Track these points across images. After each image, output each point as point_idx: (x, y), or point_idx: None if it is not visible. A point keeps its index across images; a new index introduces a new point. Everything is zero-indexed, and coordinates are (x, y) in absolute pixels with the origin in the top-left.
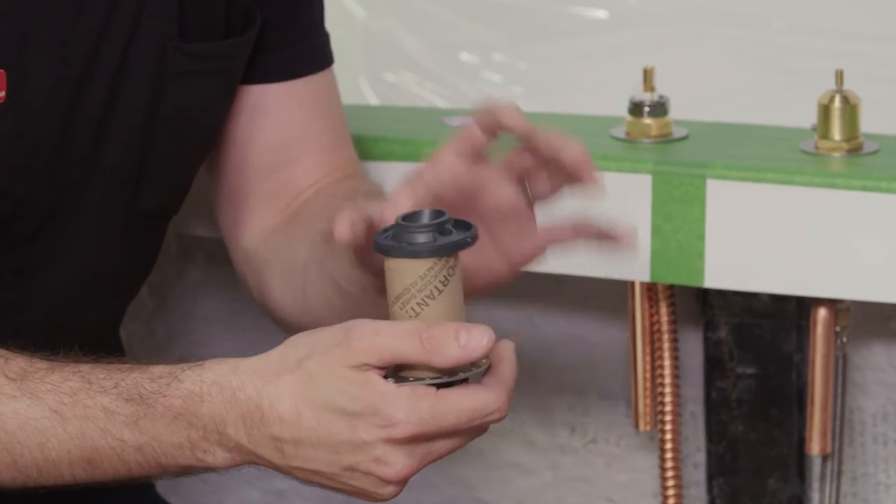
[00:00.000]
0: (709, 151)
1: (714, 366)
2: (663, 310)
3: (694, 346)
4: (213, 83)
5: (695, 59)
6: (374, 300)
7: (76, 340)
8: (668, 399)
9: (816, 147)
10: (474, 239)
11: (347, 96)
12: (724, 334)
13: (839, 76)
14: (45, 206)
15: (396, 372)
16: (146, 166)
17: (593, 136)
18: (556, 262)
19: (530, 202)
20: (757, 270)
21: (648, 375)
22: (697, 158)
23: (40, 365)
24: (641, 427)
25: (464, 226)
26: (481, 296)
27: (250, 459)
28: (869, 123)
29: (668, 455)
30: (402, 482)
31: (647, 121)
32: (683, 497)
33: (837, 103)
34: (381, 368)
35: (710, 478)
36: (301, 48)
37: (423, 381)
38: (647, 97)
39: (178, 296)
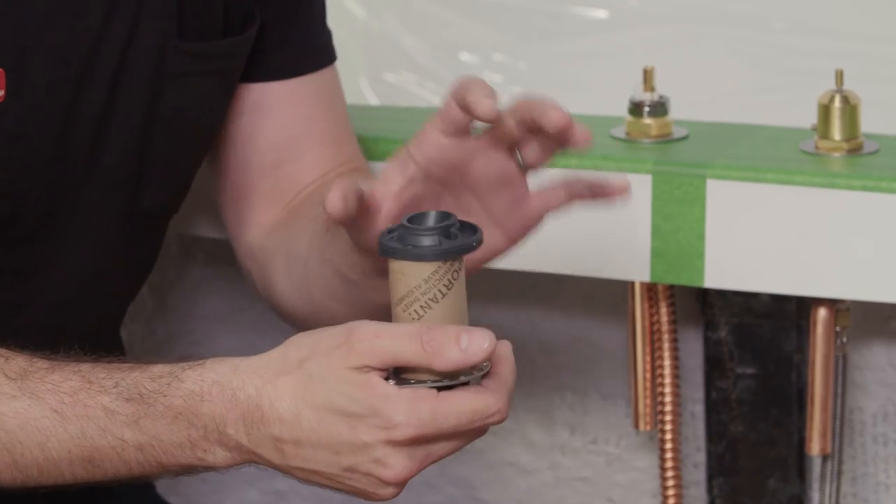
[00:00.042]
0: (709, 151)
1: (714, 366)
2: (663, 310)
3: (694, 346)
4: (212, 82)
5: (695, 59)
6: (375, 285)
7: (76, 340)
8: (668, 399)
9: (816, 147)
10: (479, 243)
11: (347, 96)
12: (724, 334)
13: (839, 76)
14: (44, 206)
15: (397, 374)
16: (146, 166)
17: (593, 136)
18: (557, 262)
19: (522, 171)
20: (757, 270)
21: (648, 375)
22: (697, 158)
23: (40, 364)
24: (641, 427)
25: (469, 228)
26: (480, 269)
27: (250, 459)
28: (869, 123)
29: (668, 455)
30: (401, 483)
31: (647, 121)
32: (683, 497)
33: (837, 103)
34: (381, 370)
35: (710, 478)
36: (302, 46)
37: (423, 384)
38: (647, 97)
39: (178, 296)
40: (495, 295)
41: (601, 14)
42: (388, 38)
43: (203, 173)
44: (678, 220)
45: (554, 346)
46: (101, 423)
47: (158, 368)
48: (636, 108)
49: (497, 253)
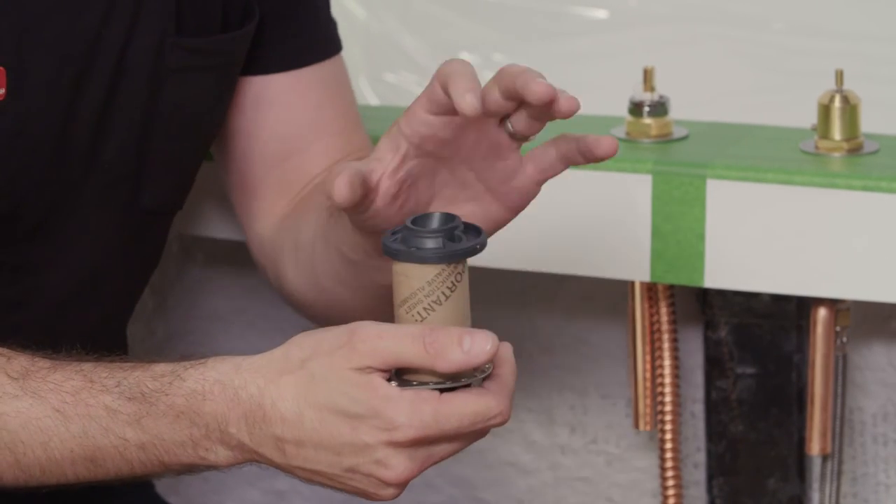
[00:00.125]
0: (709, 151)
1: (714, 366)
2: (663, 310)
3: (694, 346)
4: (211, 78)
5: (695, 59)
6: (377, 265)
7: (77, 338)
8: (668, 399)
9: (816, 147)
10: (483, 245)
11: None
12: (724, 334)
13: (839, 76)
14: (44, 204)
15: (399, 375)
16: (145, 163)
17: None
18: (557, 263)
19: (514, 141)
20: (757, 270)
21: (648, 375)
22: (697, 158)
23: (42, 364)
24: (641, 427)
25: (473, 230)
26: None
27: (252, 458)
28: (869, 123)
29: (668, 455)
30: (402, 484)
31: (647, 121)
32: (683, 497)
33: (837, 103)
34: (384, 371)
35: (710, 478)
36: (304, 37)
37: (426, 385)
38: (647, 97)
39: (178, 296)
40: (495, 295)
41: (601, 14)
42: (388, 38)
43: (204, 171)
44: (678, 220)
45: (554, 346)
46: (104, 422)
47: (160, 367)
48: (636, 108)
49: (498, 225)
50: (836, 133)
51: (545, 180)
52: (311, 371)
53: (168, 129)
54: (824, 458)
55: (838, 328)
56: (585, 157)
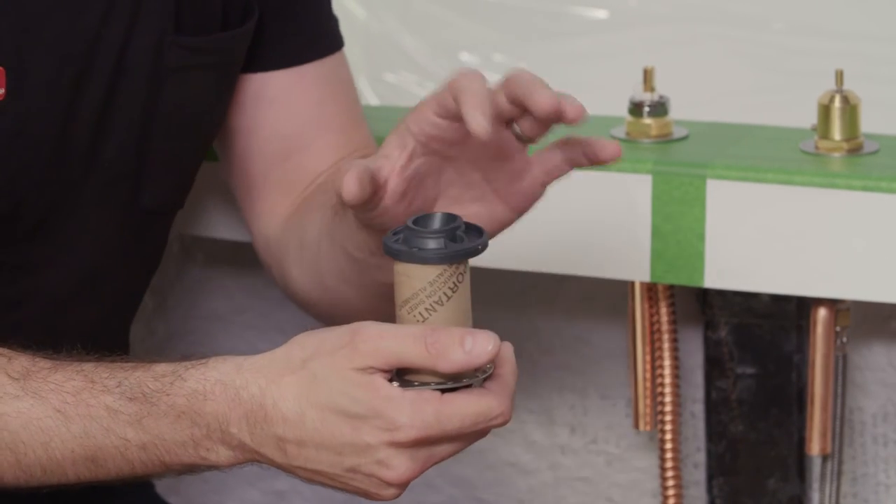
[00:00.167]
0: (709, 151)
1: (714, 366)
2: (663, 310)
3: (694, 346)
4: (210, 77)
5: (695, 59)
6: (380, 264)
7: (77, 337)
8: (668, 399)
9: (816, 147)
10: (485, 246)
11: None
12: (724, 334)
13: (839, 76)
14: (44, 204)
15: (400, 375)
16: (146, 162)
17: (593, 135)
18: (557, 263)
19: (521, 143)
20: (757, 270)
21: (648, 375)
22: (697, 158)
23: (43, 364)
24: (641, 427)
25: (475, 231)
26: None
27: (253, 458)
28: (869, 123)
29: (668, 455)
30: (404, 484)
31: (647, 121)
32: (683, 497)
33: (837, 103)
34: (385, 371)
35: (710, 478)
36: (304, 34)
37: (427, 386)
38: (647, 97)
39: (178, 296)
40: (496, 296)
41: (601, 14)
42: (388, 38)
43: (204, 171)
44: (678, 221)
45: (554, 346)
46: (105, 422)
47: (161, 367)
48: (636, 108)
49: (503, 225)
50: (836, 133)
51: (551, 181)
52: (313, 371)
53: (168, 129)
54: (824, 458)
55: (838, 328)
56: (590, 159)
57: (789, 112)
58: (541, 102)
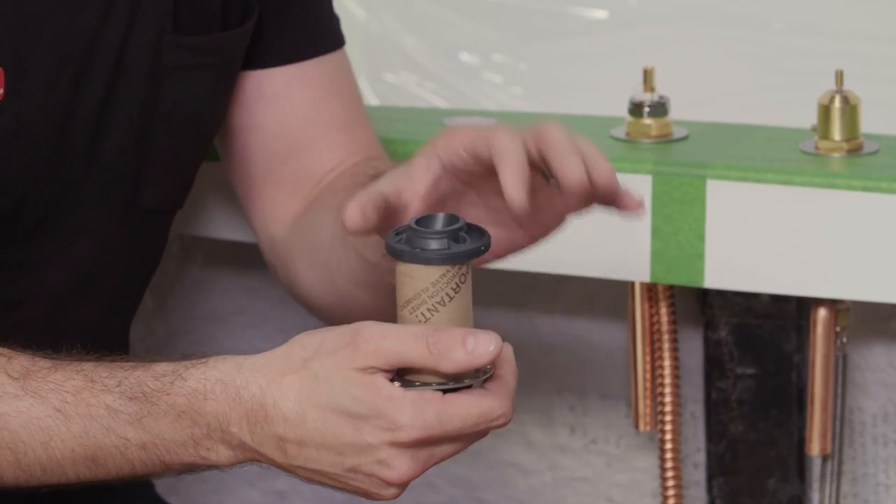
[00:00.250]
0: (709, 151)
1: (714, 366)
2: (663, 310)
3: (694, 346)
4: (209, 76)
5: (695, 59)
6: (392, 268)
7: (77, 337)
8: (668, 399)
9: (816, 147)
10: (487, 247)
11: None
12: (724, 334)
13: (839, 76)
14: (44, 203)
15: (401, 375)
16: (145, 161)
17: (593, 136)
18: (557, 263)
19: (546, 179)
20: (757, 270)
21: (648, 375)
22: (697, 159)
23: (43, 364)
24: (641, 427)
25: (476, 231)
26: (500, 259)
27: (253, 457)
28: (869, 123)
29: (668, 455)
30: (404, 484)
31: (647, 121)
32: (683, 497)
33: (837, 103)
34: (387, 371)
35: (710, 478)
36: (304, 31)
37: (429, 386)
38: (647, 97)
39: (178, 296)
40: (495, 295)
41: (601, 14)
42: (388, 38)
43: (204, 171)
44: (678, 221)
45: (554, 346)
46: (105, 421)
47: (161, 367)
48: (636, 109)
49: (518, 249)
50: (836, 133)
51: (571, 214)
52: (314, 371)
53: (167, 128)
54: (824, 458)
55: (838, 328)
56: (613, 204)
57: (789, 112)
58: (568, 178)
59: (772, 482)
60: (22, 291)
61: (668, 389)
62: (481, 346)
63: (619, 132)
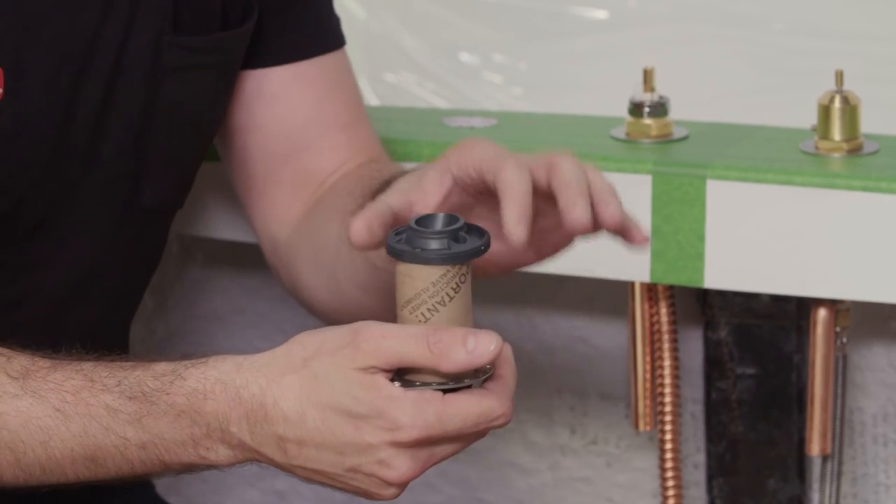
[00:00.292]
0: (709, 152)
1: (714, 366)
2: (663, 310)
3: (694, 347)
4: (209, 76)
5: (695, 59)
6: None
7: (77, 337)
8: (667, 399)
9: (816, 147)
10: (487, 247)
11: None
12: (724, 335)
13: (839, 77)
14: (43, 203)
15: (400, 375)
16: (145, 161)
17: (593, 136)
18: (557, 263)
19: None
20: (757, 270)
21: (648, 376)
22: (697, 159)
23: (42, 363)
24: (641, 427)
25: (477, 232)
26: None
27: (253, 457)
28: (869, 123)
29: (668, 455)
30: (404, 484)
31: (647, 121)
32: (683, 497)
33: (837, 104)
34: (387, 371)
35: (710, 478)
36: (304, 31)
37: (429, 386)
38: (647, 97)
39: (178, 296)
40: (495, 295)
41: (601, 14)
42: (388, 38)
43: (204, 171)
44: (678, 221)
45: (554, 346)
46: (104, 421)
47: (161, 366)
48: (636, 109)
49: (524, 265)
50: (836, 133)
51: (579, 236)
52: (314, 370)
53: (167, 128)
54: (824, 458)
55: (838, 328)
56: (622, 236)
57: (789, 112)
58: (572, 220)
59: (772, 482)
60: (22, 292)
61: (668, 389)
62: (482, 345)
63: (619, 132)
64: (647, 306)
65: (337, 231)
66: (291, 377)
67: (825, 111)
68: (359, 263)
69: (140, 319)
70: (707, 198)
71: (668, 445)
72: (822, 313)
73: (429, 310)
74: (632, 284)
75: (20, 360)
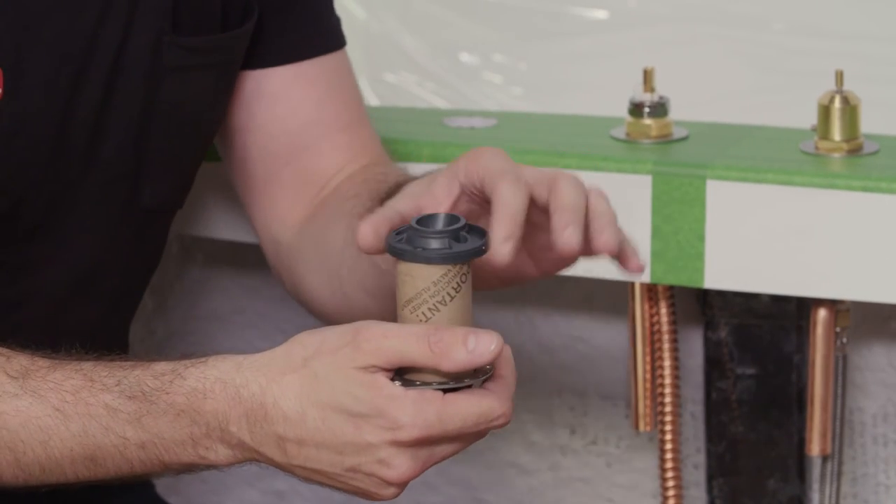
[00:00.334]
0: (709, 152)
1: (714, 366)
2: (663, 310)
3: (694, 347)
4: (209, 77)
5: (695, 59)
6: None
7: (77, 337)
8: (668, 399)
9: (816, 147)
10: (488, 247)
11: None
12: (724, 335)
13: (839, 77)
14: (43, 203)
15: (401, 375)
16: (144, 161)
17: (593, 136)
18: None
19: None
20: (757, 271)
21: (648, 376)
22: (697, 159)
23: (42, 363)
24: (641, 428)
25: (478, 232)
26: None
27: (252, 457)
28: (869, 124)
29: (668, 456)
30: (404, 484)
31: (648, 121)
32: (683, 498)
33: (837, 104)
34: (388, 371)
35: (710, 478)
36: (304, 31)
37: (429, 386)
38: (647, 98)
39: (178, 296)
40: (495, 295)
41: (601, 14)
42: (388, 38)
43: (204, 171)
44: (678, 221)
45: (554, 346)
46: (104, 421)
47: (160, 366)
48: (636, 109)
49: (527, 279)
50: (836, 133)
51: (583, 255)
52: (314, 370)
53: (167, 128)
54: (824, 458)
55: (838, 329)
56: (617, 259)
57: (789, 112)
58: (561, 245)
59: (772, 482)
60: (22, 292)
61: (668, 390)
62: (482, 345)
63: (619, 132)
64: (647, 306)
65: (343, 234)
66: (291, 376)
67: (825, 111)
68: (364, 267)
69: (140, 319)
70: (707, 198)
71: (668, 446)
72: (822, 313)
73: (430, 309)
74: (632, 284)
75: (20, 360)
